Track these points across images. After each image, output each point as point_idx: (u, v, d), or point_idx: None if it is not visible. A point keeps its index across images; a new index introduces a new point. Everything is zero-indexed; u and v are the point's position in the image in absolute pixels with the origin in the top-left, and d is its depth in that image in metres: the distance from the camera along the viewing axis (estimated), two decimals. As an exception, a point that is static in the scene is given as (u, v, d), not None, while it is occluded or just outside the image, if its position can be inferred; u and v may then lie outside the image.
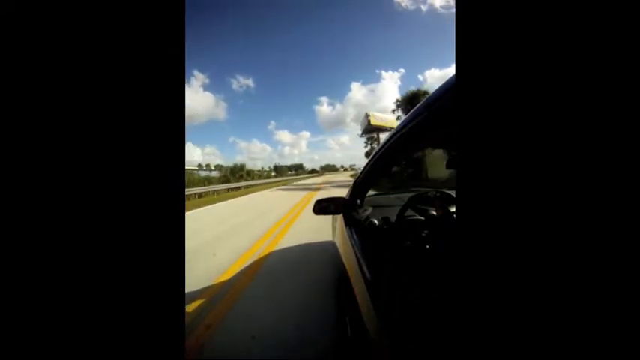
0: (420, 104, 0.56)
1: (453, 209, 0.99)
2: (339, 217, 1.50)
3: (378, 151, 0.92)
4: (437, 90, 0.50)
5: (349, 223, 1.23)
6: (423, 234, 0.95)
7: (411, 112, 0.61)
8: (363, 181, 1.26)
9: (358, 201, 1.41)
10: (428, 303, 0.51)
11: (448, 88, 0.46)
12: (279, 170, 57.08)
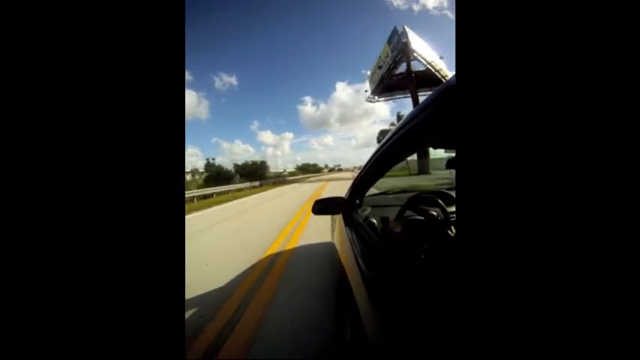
0: (420, 103, 0.56)
1: (453, 209, 0.99)
2: (338, 217, 1.50)
3: (377, 151, 0.92)
4: (437, 89, 0.50)
5: (348, 223, 1.23)
6: (423, 234, 0.95)
7: (412, 111, 0.61)
8: (363, 181, 1.25)
9: (357, 201, 1.41)
10: (428, 304, 0.51)
11: (449, 88, 0.46)
12: (213, 170, 29.16)
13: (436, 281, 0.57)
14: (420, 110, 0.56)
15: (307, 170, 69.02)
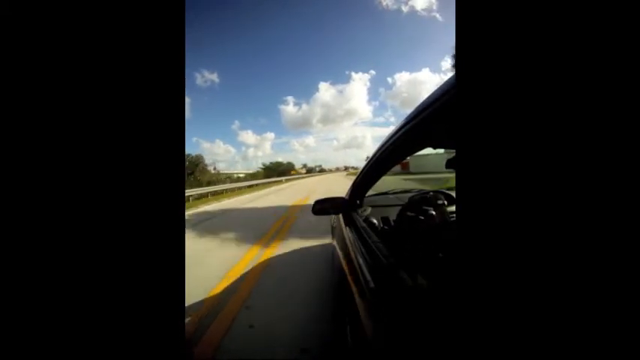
0: (420, 103, 0.56)
1: (453, 209, 0.99)
2: (339, 218, 1.50)
3: (377, 151, 0.92)
4: (437, 89, 0.50)
5: (348, 223, 1.23)
6: (423, 234, 0.95)
7: (412, 111, 0.61)
8: (363, 181, 1.25)
9: (357, 201, 1.40)
10: (428, 304, 0.51)
11: (449, 88, 0.46)
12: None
13: (436, 281, 0.57)
14: (420, 110, 0.56)
15: (277, 171, 42.34)
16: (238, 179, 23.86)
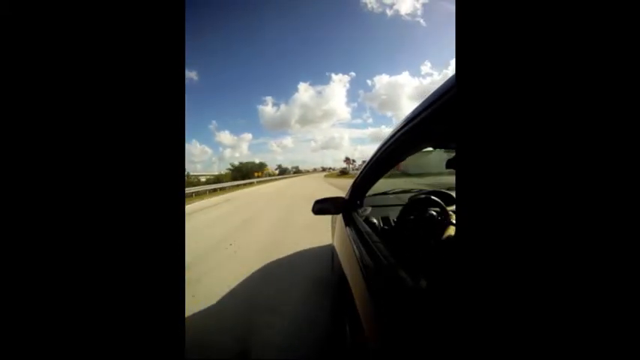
0: (420, 103, 0.56)
1: (453, 208, 0.99)
2: (339, 218, 1.50)
3: (378, 151, 0.92)
4: (437, 89, 0.50)
5: (349, 223, 1.23)
6: (424, 234, 0.95)
7: (412, 111, 0.61)
8: (363, 181, 1.25)
9: (358, 201, 1.40)
10: (428, 303, 0.51)
11: (449, 88, 0.45)
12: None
13: (436, 281, 0.57)
14: (420, 110, 0.56)
15: (245, 172, 38.03)
16: (198, 182, 22.49)
